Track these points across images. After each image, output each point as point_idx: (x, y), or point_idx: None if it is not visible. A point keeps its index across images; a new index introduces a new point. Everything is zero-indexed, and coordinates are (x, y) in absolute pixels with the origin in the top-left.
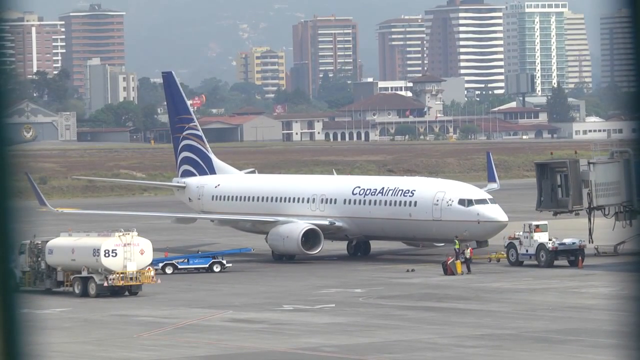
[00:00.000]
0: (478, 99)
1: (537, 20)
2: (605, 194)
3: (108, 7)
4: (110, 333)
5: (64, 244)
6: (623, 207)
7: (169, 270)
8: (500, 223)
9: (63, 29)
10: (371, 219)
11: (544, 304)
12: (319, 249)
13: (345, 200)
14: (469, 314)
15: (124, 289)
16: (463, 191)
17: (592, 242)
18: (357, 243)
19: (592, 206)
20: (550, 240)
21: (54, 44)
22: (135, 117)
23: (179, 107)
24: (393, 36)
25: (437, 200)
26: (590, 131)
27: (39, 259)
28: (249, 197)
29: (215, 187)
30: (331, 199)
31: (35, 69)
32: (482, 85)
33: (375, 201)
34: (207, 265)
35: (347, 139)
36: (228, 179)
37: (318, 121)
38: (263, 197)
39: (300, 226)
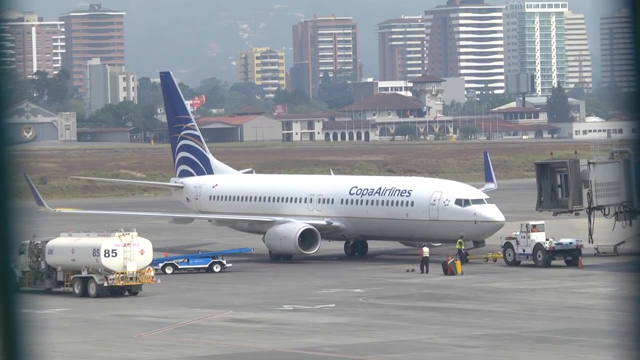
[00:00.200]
0: (478, 99)
1: (537, 20)
2: (605, 194)
3: (108, 7)
4: (110, 333)
5: (64, 244)
6: (623, 207)
7: (169, 270)
8: (497, 223)
9: (63, 29)
10: (368, 219)
11: (544, 304)
12: (316, 249)
13: (342, 200)
14: (469, 314)
15: (124, 289)
16: (460, 191)
17: (592, 242)
18: (355, 243)
19: (592, 206)
20: (547, 240)
21: (54, 44)
22: (135, 117)
23: (176, 107)
24: (393, 36)
25: (434, 200)
26: (590, 131)
27: (39, 259)
28: (246, 197)
29: (213, 187)
30: (328, 199)
31: (35, 69)
32: (482, 85)
33: (373, 201)
34: (207, 265)
35: (347, 139)
36: (226, 179)
37: (318, 121)
38: (260, 197)
39: (298, 226)
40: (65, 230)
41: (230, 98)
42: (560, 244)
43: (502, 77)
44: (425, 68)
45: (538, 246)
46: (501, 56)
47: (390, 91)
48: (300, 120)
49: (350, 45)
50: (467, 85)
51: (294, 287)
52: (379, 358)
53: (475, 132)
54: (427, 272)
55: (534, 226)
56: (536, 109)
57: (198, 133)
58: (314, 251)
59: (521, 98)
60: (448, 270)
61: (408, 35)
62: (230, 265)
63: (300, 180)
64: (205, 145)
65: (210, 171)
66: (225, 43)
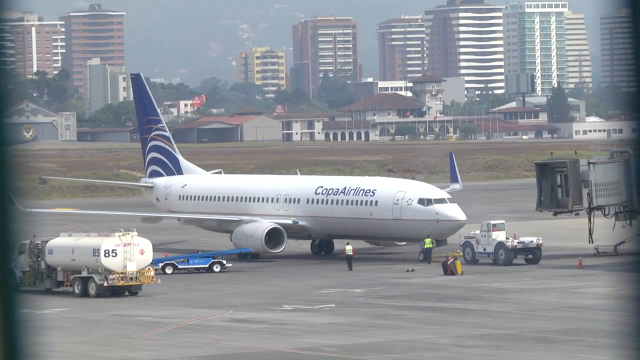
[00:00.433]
0: (478, 99)
1: (537, 20)
2: (605, 194)
3: (108, 7)
4: (110, 333)
5: (64, 244)
6: (623, 207)
7: (169, 270)
8: (458, 222)
9: (63, 29)
10: (333, 218)
11: (544, 304)
12: (283, 247)
13: (308, 199)
14: (469, 314)
15: (124, 289)
16: (423, 191)
17: (592, 242)
18: (321, 242)
19: (592, 206)
20: (508, 238)
21: (54, 44)
22: (135, 117)
23: (147, 109)
24: (393, 36)
25: (397, 200)
26: (590, 131)
27: (39, 259)
28: (214, 197)
29: (182, 187)
30: (295, 199)
31: (35, 69)
32: (482, 85)
33: (338, 201)
34: (207, 265)
35: (347, 139)
36: (195, 179)
37: (318, 121)
38: (228, 197)
39: (264, 225)
40: (65, 230)
41: (230, 98)
42: (522, 242)
43: (502, 77)
44: (425, 68)
45: (500, 245)
46: (501, 56)
47: (390, 91)
48: (300, 120)
49: (350, 45)
50: (467, 85)
51: (294, 287)
52: (379, 358)
53: (475, 132)
54: (350, 269)
55: (495, 225)
56: (536, 109)
57: (168, 134)
58: (280, 250)
59: (521, 98)
60: (448, 270)
61: (408, 35)
62: (230, 265)
63: (267, 180)
64: (175, 146)
65: (179, 171)
66: (225, 43)
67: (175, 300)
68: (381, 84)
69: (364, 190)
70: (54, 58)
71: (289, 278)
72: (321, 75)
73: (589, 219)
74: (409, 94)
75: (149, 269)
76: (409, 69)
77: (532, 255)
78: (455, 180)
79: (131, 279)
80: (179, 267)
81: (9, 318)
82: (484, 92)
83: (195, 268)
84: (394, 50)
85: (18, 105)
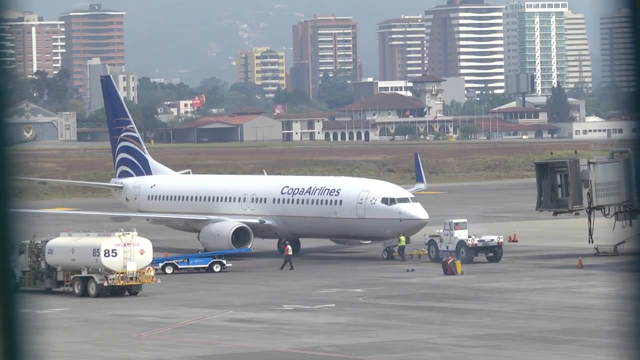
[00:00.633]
0: (478, 98)
1: (537, 20)
2: (605, 194)
3: (108, 7)
4: (110, 333)
5: (64, 244)
6: (623, 207)
7: (169, 270)
8: (421, 221)
9: (63, 29)
10: (299, 218)
11: (544, 304)
12: (249, 246)
13: (274, 199)
14: (469, 314)
15: (124, 289)
16: (386, 190)
17: (592, 242)
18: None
19: (592, 206)
20: (469, 237)
21: (54, 44)
22: (135, 116)
23: (117, 110)
24: (393, 36)
25: (361, 199)
26: (590, 131)
27: (39, 259)
28: (183, 197)
29: (151, 187)
30: (261, 198)
31: (35, 69)
32: (482, 85)
33: (303, 200)
34: (207, 265)
35: (347, 139)
36: (163, 179)
37: (318, 121)
38: (196, 197)
39: (231, 224)
40: (65, 230)
41: (230, 98)
42: (483, 240)
43: (502, 77)
44: (425, 68)
45: (461, 243)
46: (501, 56)
47: (390, 91)
48: (300, 120)
49: (350, 45)
50: (467, 85)
51: (294, 287)
52: (379, 358)
53: (475, 132)
54: (291, 268)
55: (457, 224)
56: (536, 108)
57: (137, 135)
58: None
59: (521, 98)
60: (448, 270)
61: (408, 35)
62: (230, 265)
63: (234, 180)
64: (144, 147)
65: (148, 172)
66: (225, 43)
67: (175, 300)
68: (381, 84)
69: (328, 189)
70: (54, 58)
71: (289, 278)
72: (321, 75)
73: (589, 219)
74: (409, 93)
75: (149, 268)
76: (409, 68)
77: (492, 253)
78: (421, 180)
79: (131, 278)
80: (179, 267)
81: (9, 318)
82: (484, 92)
83: (195, 268)
84: (394, 50)
85: (18, 105)
